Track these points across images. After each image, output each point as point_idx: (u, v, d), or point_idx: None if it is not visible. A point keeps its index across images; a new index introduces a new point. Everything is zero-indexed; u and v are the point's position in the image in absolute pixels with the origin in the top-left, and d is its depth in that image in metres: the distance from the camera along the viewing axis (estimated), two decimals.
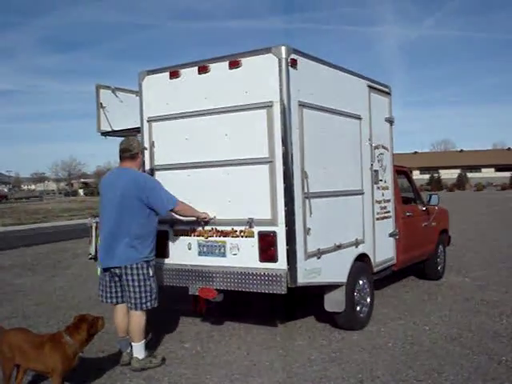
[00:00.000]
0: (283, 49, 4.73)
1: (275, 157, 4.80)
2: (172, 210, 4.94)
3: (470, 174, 67.46)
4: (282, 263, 4.79)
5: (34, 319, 6.66)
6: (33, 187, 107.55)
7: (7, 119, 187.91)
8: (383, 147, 6.72)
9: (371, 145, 6.33)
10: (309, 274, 4.97)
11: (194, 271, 5.31)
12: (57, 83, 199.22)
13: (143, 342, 4.79)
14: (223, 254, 5.17)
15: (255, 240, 4.94)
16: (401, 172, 7.86)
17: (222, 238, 5.17)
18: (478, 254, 10.87)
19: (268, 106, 4.81)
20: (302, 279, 4.87)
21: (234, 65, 5.00)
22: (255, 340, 5.52)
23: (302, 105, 4.96)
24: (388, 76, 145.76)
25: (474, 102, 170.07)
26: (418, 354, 4.92)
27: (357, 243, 5.84)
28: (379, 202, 6.52)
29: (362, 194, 6.08)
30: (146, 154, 5.64)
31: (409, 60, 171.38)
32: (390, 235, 6.77)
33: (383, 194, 6.65)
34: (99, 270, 5.00)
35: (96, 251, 5.98)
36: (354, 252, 5.77)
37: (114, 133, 6.98)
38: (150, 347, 5.09)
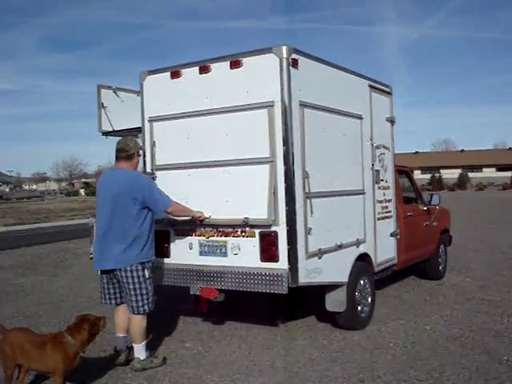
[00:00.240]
0: (284, 48, 4.73)
1: (276, 157, 4.80)
2: (166, 211, 4.89)
3: (471, 174, 67.40)
4: (283, 263, 4.80)
5: (35, 319, 6.66)
6: (34, 187, 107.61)
7: (9, 119, 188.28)
8: (384, 147, 6.72)
9: (372, 144, 6.33)
10: (310, 273, 4.97)
11: (195, 271, 5.31)
12: (58, 83, 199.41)
13: (144, 343, 4.78)
14: (224, 254, 5.17)
15: (256, 240, 4.94)
16: (402, 172, 7.86)
17: (223, 238, 5.17)
18: (479, 254, 10.86)
19: (269, 105, 4.81)
20: (303, 279, 4.87)
21: (235, 65, 5.00)
22: (256, 340, 5.52)
23: (303, 104, 4.96)
24: (389, 76, 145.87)
25: (475, 102, 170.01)
26: (419, 354, 4.92)
27: (358, 243, 5.84)
28: (380, 201, 6.52)
29: (363, 193, 6.08)
30: (147, 153, 5.65)
31: (410, 59, 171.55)
32: (391, 235, 6.77)
33: (384, 194, 6.64)
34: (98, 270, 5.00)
35: None
36: (355, 252, 5.77)
37: (115, 133, 6.99)
38: (151, 347, 5.09)
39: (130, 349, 4.84)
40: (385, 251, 6.55)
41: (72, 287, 8.74)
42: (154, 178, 5.44)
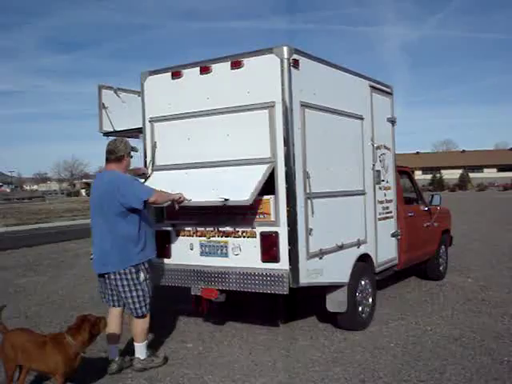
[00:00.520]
0: (285, 49, 4.73)
1: (277, 157, 4.80)
2: (148, 202, 4.65)
3: (472, 175, 67.39)
4: (284, 263, 4.80)
5: (36, 319, 6.67)
6: (35, 187, 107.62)
7: (10, 119, 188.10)
8: (385, 147, 6.72)
9: (373, 145, 6.33)
10: (311, 274, 4.97)
11: (196, 271, 5.31)
12: (59, 83, 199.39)
13: (145, 342, 4.78)
14: (225, 255, 5.17)
15: (257, 240, 4.94)
16: (403, 172, 7.85)
17: (224, 239, 5.18)
18: (479, 255, 10.86)
19: (270, 106, 4.81)
20: (304, 279, 4.87)
21: (236, 65, 5.00)
22: (257, 340, 5.52)
23: (304, 105, 4.96)
24: (390, 76, 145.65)
25: (476, 102, 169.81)
26: (420, 355, 4.92)
27: (359, 243, 5.84)
28: (381, 202, 6.52)
29: (364, 194, 6.08)
30: (148, 154, 5.66)
31: (411, 60, 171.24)
32: (392, 235, 6.77)
33: (385, 194, 6.64)
34: None
35: None
36: (356, 252, 5.77)
37: (116, 133, 6.98)
38: (152, 347, 5.09)
39: (124, 357, 4.81)
40: (386, 252, 6.55)
41: (73, 287, 8.75)
42: (146, 179, 5.41)
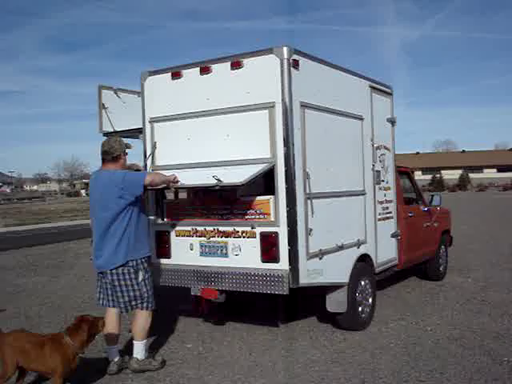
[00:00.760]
0: (285, 49, 4.73)
1: (277, 157, 4.80)
2: (146, 184, 4.67)
3: (471, 175, 67.28)
4: (283, 264, 4.80)
5: (37, 319, 6.67)
6: (35, 188, 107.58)
7: (10, 120, 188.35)
8: (385, 148, 6.72)
9: (373, 145, 6.33)
10: (311, 274, 4.97)
11: (196, 272, 5.31)
12: (59, 84, 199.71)
13: (145, 341, 4.77)
14: (225, 255, 5.17)
15: (257, 240, 4.94)
16: (403, 172, 7.86)
17: (223, 239, 5.18)
18: (479, 255, 10.86)
19: (270, 106, 4.81)
20: (304, 280, 4.87)
21: (236, 65, 5.00)
22: (257, 340, 5.52)
23: (304, 105, 4.96)
24: (390, 76, 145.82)
25: (476, 103, 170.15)
26: (420, 355, 4.92)
27: (359, 244, 5.84)
28: (381, 202, 6.52)
29: (364, 194, 6.08)
30: (148, 154, 5.65)
31: (411, 60, 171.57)
32: (392, 236, 6.77)
33: (385, 195, 6.65)
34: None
35: None
36: (355, 252, 5.77)
37: (115, 133, 6.98)
38: (151, 348, 5.09)
39: (123, 358, 4.80)
40: (386, 252, 6.55)
41: (73, 288, 8.75)
42: None
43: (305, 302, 6.57)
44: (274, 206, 4.84)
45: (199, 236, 5.34)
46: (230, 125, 5.09)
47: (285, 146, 4.76)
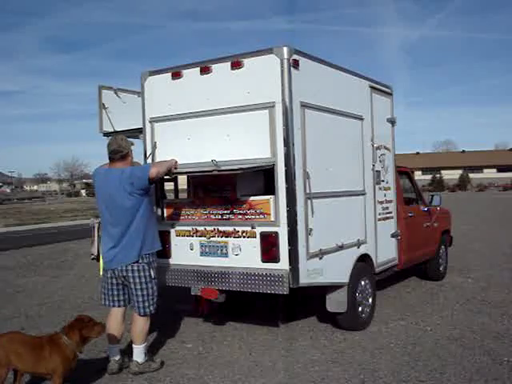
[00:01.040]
0: (285, 49, 4.73)
1: (277, 157, 4.80)
2: (151, 176, 4.66)
3: (471, 175, 67.34)
4: (283, 264, 4.80)
5: (37, 319, 6.67)
6: (35, 188, 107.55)
7: (10, 120, 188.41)
8: (385, 148, 6.72)
9: (373, 145, 6.33)
10: (311, 274, 4.97)
11: (196, 271, 5.31)
12: (59, 84, 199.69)
13: (144, 345, 4.77)
14: (225, 255, 5.17)
15: (257, 240, 4.95)
16: (403, 172, 7.86)
17: (224, 239, 5.18)
18: (479, 255, 10.86)
19: (270, 106, 4.82)
20: (304, 280, 4.87)
21: (236, 65, 5.00)
22: (257, 340, 5.52)
23: (304, 105, 4.96)
24: (390, 76, 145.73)
25: (476, 103, 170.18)
26: (420, 355, 4.92)
27: (359, 244, 5.84)
28: (381, 202, 6.52)
29: (364, 194, 6.08)
30: (148, 154, 5.65)
31: (411, 60, 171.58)
32: (392, 236, 6.77)
33: (385, 195, 6.65)
34: (101, 271, 4.99)
35: (98, 252, 5.99)
36: (355, 252, 5.77)
37: (116, 133, 6.98)
38: (150, 350, 5.08)
39: (124, 357, 4.81)
40: (386, 252, 6.55)
41: (73, 288, 8.75)
42: None
43: (305, 301, 6.57)
44: (274, 205, 4.84)
45: (199, 236, 5.34)
46: (230, 125, 5.09)
47: (285, 145, 4.76)
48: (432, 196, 8.25)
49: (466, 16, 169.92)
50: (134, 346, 4.76)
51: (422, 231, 7.74)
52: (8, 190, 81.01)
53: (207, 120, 5.23)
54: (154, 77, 5.61)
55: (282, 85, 4.74)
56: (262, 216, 4.93)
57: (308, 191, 4.97)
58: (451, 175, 65.99)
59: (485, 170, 76.24)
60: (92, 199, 49.82)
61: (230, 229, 5.12)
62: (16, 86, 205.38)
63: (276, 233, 4.82)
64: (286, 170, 4.77)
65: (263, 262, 4.92)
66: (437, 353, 4.96)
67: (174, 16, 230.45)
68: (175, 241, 5.51)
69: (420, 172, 70.06)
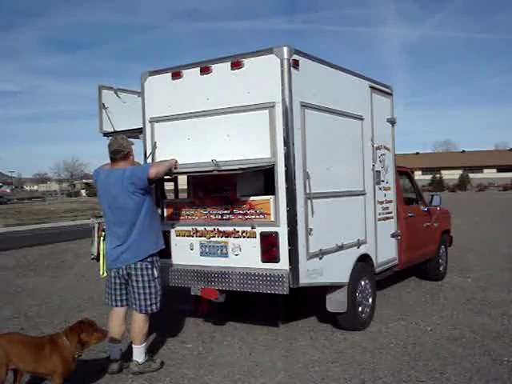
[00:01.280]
0: (285, 49, 4.73)
1: (277, 157, 4.80)
2: (151, 176, 4.65)
3: (471, 175, 67.36)
4: (283, 264, 4.80)
5: (36, 319, 6.67)
6: (35, 188, 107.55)
7: (10, 120, 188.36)
8: (385, 148, 6.72)
9: (373, 145, 6.33)
10: (311, 274, 4.97)
11: (196, 272, 5.31)
12: (60, 84, 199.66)
13: (144, 344, 4.77)
14: (225, 255, 5.17)
15: (257, 240, 4.95)
16: (403, 172, 7.86)
17: (224, 239, 5.18)
18: (479, 255, 10.86)
19: (270, 106, 4.81)
20: (304, 280, 4.87)
21: (236, 65, 5.00)
22: (257, 340, 5.52)
23: (304, 105, 4.96)
24: (390, 76, 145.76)
25: (476, 103, 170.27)
26: (420, 355, 4.92)
27: (359, 244, 5.84)
28: (381, 202, 6.52)
29: (364, 194, 6.08)
30: (148, 154, 5.65)
31: (411, 60, 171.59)
32: (392, 236, 6.77)
33: (385, 195, 6.65)
34: (104, 271, 5.00)
35: (98, 252, 5.99)
36: (355, 252, 5.77)
37: (116, 133, 6.98)
38: (151, 350, 5.09)
39: (124, 357, 4.81)
40: (386, 252, 6.55)
41: (73, 288, 8.75)
42: None
43: (305, 301, 6.57)
44: (274, 205, 4.84)
45: (199, 236, 5.34)
46: (230, 125, 5.09)
47: (285, 145, 4.76)
48: (432, 196, 8.25)
49: (466, 16, 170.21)
50: (133, 345, 4.76)
51: (421, 231, 7.74)
52: (8, 190, 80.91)
53: (207, 120, 5.23)
54: (154, 77, 5.61)
55: (282, 85, 4.74)
56: (261, 216, 4.93)
57: (308, 191, 4.97)
58: (451, 175, 66.01)
59: (485, 170, 76.25)
60: (92, 199, 49.81)
61: (230, 229, 5.12)
62: (16, 86, 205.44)
63: (276, 233, 4.82)
64: (286, 170, 4.77)
65: (263, 262, 4.92)
66: (437, 353, 4.97)
67: (174, 16, 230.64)
68: (175, 241, 5.51)
69: (420, 172, 70.08)
